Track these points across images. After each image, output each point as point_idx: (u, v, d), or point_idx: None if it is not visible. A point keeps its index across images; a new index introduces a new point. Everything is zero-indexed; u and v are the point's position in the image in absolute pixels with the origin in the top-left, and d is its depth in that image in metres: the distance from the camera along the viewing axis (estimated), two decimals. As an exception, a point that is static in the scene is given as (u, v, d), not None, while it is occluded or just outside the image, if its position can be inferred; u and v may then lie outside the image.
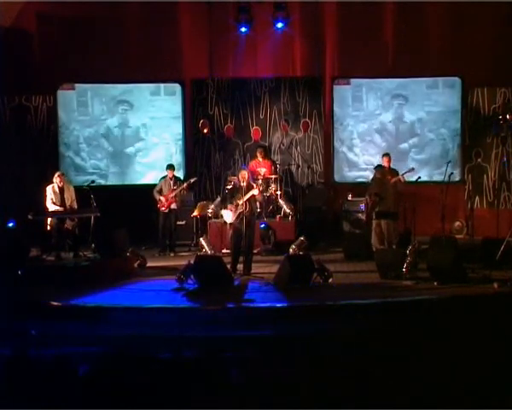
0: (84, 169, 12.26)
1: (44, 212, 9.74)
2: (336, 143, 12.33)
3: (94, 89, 12.35)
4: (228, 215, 9.21)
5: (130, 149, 12.43)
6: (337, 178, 12.36)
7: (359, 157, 12.33)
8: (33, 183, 11.44)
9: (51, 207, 9.80)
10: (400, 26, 12.26)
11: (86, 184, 10.60)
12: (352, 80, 12.32)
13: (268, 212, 11.21)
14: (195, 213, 11.11)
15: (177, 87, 12.39)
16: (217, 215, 10.72)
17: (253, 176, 10.91)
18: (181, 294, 7.80)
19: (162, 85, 12.38)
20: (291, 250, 9.93)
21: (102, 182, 12.13)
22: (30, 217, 9.37)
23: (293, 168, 12.27)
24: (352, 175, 12.32)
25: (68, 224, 9.76)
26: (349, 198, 11.48)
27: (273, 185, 11.31)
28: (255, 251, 9.50)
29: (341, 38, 12.47)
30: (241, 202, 8.73)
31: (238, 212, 8.76)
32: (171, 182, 10.88)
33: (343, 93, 12.32)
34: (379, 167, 10.25)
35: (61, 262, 9.41)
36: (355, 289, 7.88)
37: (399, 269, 8.31)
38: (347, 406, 4.32)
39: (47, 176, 10.56)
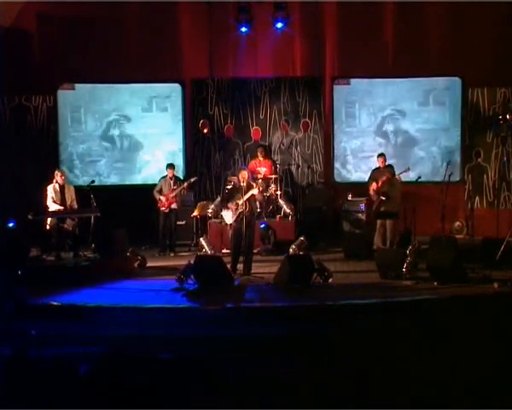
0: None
1: (44, 212, 9.73)
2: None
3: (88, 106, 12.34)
4: (228, 215, 9.21)
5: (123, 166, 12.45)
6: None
7: (352, 174, 12.35)
8: (33, 183, 11.44)
9: (52, 206, 9.80)
10: (400, 26, 12.26)
11: (86, 184, 10.60)
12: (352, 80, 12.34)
13: (268, 212, 11.22)
14: (195, 213, 11.11)
15: (169, 102, 12.37)
16: (217, 215, 10.72)
17: (253, 175, 10.92)
18: (181, 294, 7.80)
19: (154, 100, 12.36)
20: (291, 250, 9.93)
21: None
22: (30, 217, 9.36)
23: (293, 168, 12.27)
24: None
25: (68, 224, 9.75)
26: (349, 198, 11.48)
27: (273, 185, 11.31)
28: (255, 251, 9.50)
29: (341, 38, 12.47)
30: (240, 202, 8.73)
31: (238, 212, 8.76)
32: (172, 182, 10.88)
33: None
34: (376, 169, 10.37)
35: (61, 262, 9.40)
36: (355, 289, 7.88)
37: (399, 269, 8.31)
38: (347, 406, 4.32)
39: (47, 176, 10.57)
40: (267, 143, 12.24)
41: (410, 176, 10.71)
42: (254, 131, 12.40)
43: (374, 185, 10.10)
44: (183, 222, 11.28)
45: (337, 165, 12.33)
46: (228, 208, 8.99)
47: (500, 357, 5.18)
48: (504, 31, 11.75)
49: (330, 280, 8.13)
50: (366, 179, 10.59)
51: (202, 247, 10.17)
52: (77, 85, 12.31)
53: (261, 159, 11.60)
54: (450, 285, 7.74)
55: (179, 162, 12.13)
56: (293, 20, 12.48)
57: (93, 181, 10.62)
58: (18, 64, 12.08)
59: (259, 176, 11.19)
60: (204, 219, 11.10)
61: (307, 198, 12.15)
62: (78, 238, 9.86)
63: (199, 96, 12.40)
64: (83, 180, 11.97)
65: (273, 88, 12.39)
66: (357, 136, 12.34)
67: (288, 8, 12.33)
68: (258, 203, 9.66)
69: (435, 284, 7.91)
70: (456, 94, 12.08)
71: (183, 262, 8.79)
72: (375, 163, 10.54)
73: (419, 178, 10.32)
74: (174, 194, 10.77)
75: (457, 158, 12.03)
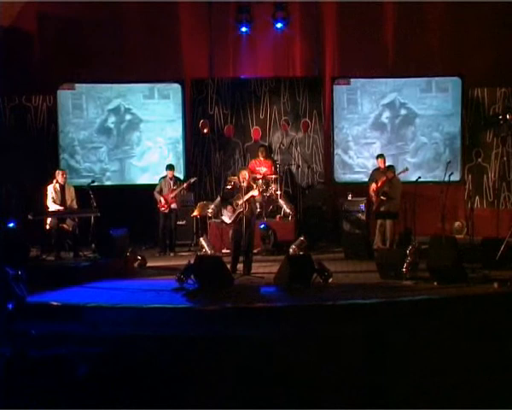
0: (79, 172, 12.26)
1: (44, 212, 9.73)
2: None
3: (90, 93, 12.32)
4: (227, 215, 9.21)
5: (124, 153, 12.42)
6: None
7: (354, 160, 12.33)
8: (33, 183, 11.45)
9: (52, 206, 9.79)
10: (400, 26, 12.27)
11: (86, 184, 10.60)
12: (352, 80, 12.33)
13: (268, 212, 11.22)
14: (195, 213, 11.11)
15: (171, 89, 12.35)
16: (217, 215, 10.72)
17: (253, 174, 10.93)
18: (181, 294, 7.80)
19: (156, 88, 12.35)
20: (291, 250, 9.94)
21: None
22: (30, 217, 9.36)
23: (293, 168, 12.27)
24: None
25: (68, 224, 9.74)
26: (349, 198, 11.47)
27: (273, 185, 11.31)
28: (255, 251, 9.50)
29: (341, 38, 12.48)
30: (240, 203, 8.73)
31: (237, 212, 8.76)
32: (171, 182, 10.89)
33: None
34: (376, 170, 10.40)
35: (61, 262, 9.40)
36: (355, 289, 7.87)
37: (399, 269, 8.31)
38: (347, 406, 4.32)
39: (47, 176, 10.56)
40: (267, 143, 12.23)
41: (411, 177, 10.72)
42: (254, 131, 12.40)
43: (374, 186, 10.13)
44: (183, 222, 11.29)
45: (338, 151, 12.29)
46: (227, 208, 8.99)
47: (500, 357, 5.18)
48: (504, 31, 11.76)
49: (330, 280, 8.13)
50: (365, 166, 10.58)
51: (202, 247, 10.17)
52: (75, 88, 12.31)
53: (262, 159, 11.60)
54: (450, 285, 7.74)
55: (179, 162, 12.11)
56: (293, 20, 12.49)
57: (93, 181, 10.62)
58: (18, 64, 12.08)
59: (259, 176, 11.19)
60: (204, 219, 11.10)
61: (307, 198, 12.15)
62: (78, 238, 9.86)
63: (199, 96, 12.40)
64: (84, 167, 12.09)
65: (273, 88, 12.39)
66: (359, 122, 12.32)
67: (288, 8, 12.35)
68: (257, 204, 9.66)
69: (435, 284, 7.90)
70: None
71: (183, 262, 8.79)
72: (376, 163, 10.56)
73: (419, 178, 10.32)
74: (174, 194, 10.77)
75: (459, 143, 12.03)
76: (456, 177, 11.10)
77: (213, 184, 12.32)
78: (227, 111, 12.38)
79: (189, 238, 11.30)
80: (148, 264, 9.74)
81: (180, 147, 12.42)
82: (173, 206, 10.81)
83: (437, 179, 11.54)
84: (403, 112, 12.23)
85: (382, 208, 10.01)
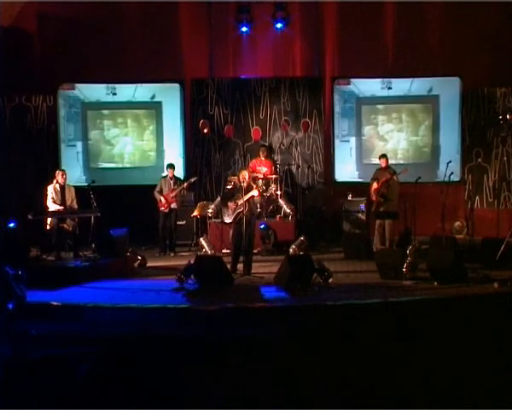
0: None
1: (44, 212, 9.73)
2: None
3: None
4: (227, 215, 9.21)
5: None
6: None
7: None
8: (33, 183, 11.46)
9: (51, 206, 9.79)
10: (400, 26, 12.27)
11: (86, 184, 10.61)
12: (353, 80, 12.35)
13: (268, 212, 11.22)
14: (195, 213, 11.12)
15: (171, 89, 12.38)
16: (217, 215, 10.72)
17: (254, 174, 10.94)
18: (181, 294, 7.80)
19: (156, 88, 12.40)
20: (291, 250, 9.95)
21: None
22: (30, 217, 9.35)
23: (293, 168, 12.27)
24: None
25: (68, 224, 9.74)
26: (349, 198, 11.48)
27: (273, 185, 11.31)
28: (255, 251, 9.50)
29: (341, 38, 12.49)
30: (240, 203, 8.73)
31: (237, 212, 8.77)
32: (172, 182, 10.88)
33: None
34: (378, 170, 10.40)
35: (61, 262, 9.39)
36: (355, 289, 7.88)
37: (399, 269, 8.31)
38: (347, 405, 4.32)
39: (47, 176, 10.56)
40: (267, 143, 12.23)
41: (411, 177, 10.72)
42: (254, 131, 12.39)
43: (375, 185, 10.14)
44: (183, 222, 11.29)
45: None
46: (227, 208, 8.99)
47: (500, 357, 5.18)
48: (504, 31, 11.76)
49: (330, 280, 8.12)
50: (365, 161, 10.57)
51: (202, 247, 10.18)
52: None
53: (263, 159, 11.60)
54: (450, 285, 7.74)
55: (179, 162, 12.11)
56: (293, 20, 12.50)
57: (93, 181, 10.62)
58: (18, 64, 12.08)
59: (260, 176, 11.19)
60: (204, 219, 11.11)
61: (307, 198, 12.16)
62: (78, 238, 9.86)
63: (199, 96, 12.40)
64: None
65: (273, 88, 12.39)
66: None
67: (288, 8, 12.36)
68: (258, 204, 9.67)
69: (435, 284, 7.91)
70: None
71: (183, 262, 8.80)
72: (379, 163, 10.57)
73: (419, 178, 10.31)
74: (174, 194, 10.77)
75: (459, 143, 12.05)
76: (456, 177, 11.09)
77: (213, 184, 12.32)
78: (227, 111, 12.38)
79: (189, 238, 11.30)
80: (148, 264, 9.73)
81: (180, 147, 12.42)
82: (173, 205, 10.81)
83: (437, 179, 11.54)
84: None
85: (381, 208, 10.02)
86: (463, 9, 11.86)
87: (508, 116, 10.95)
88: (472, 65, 11.76)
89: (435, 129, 12.28)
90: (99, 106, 12.49)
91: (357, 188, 11.71)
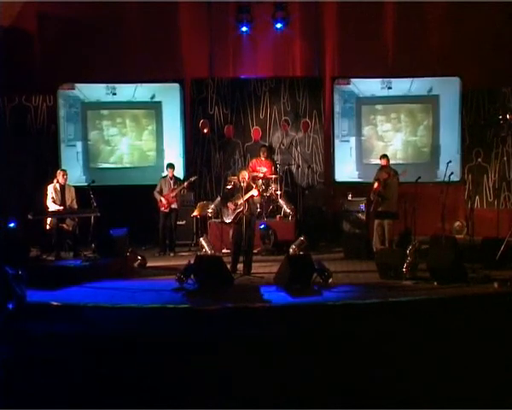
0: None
1: (44, 212, 9.73)
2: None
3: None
4: (227, 215, 9.21)
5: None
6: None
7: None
8: (33, 183, 11.46)
9: (51, 206, 9.79)
10: (400, 26, 12.27)
11: (86, 184, 10.60)
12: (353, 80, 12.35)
13: (268, 212, 11.22)
14: (195, 213, 11.12)
15: (171, 89, 12.39)
16: (217, 215, 10.73)
17: (254, 174, 10.94)
18: (181, 294, 7.80)
19: (156, 88, 12.39)
20: (291, 250, 9.94)
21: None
22: (30, 217, 9.36)
23: (293, 168, 12.27)
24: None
25: (68, 224, 9.75)
26: (349, 198, 11.46)
27: (273, 185, 11.31)
28: (255, 251, 9.51)
29: (341, 38, 12.49)
30: (240, 202, 8.73)
31: (237, 211, 8.77)
32: (172, 182, 10.88)
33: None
34: (380, 169, 10.41)
35: (61, 262, 9.39)
36: (355, 290, 7.88)
37: (399, 269, 8.31)
38: (347, 405, 4.32)
39: (47, 176, 10.55)
40: (267, 143, 12.23)
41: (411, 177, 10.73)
42: (254, 131, 12.40)
43: (376, 185, 10.14)
44: (183, 222, 11.29)
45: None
46: (227, 208, 8.99)
47: (500, 357, 5.18)
48: (504, 31, 11.75)
49: (330, 280, 8.13)
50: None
51: (202, 247, 10.17)
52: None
53: (263, 159, 11.60)
54: (450, 285, 7.75)
55: (179, 162, 12.11)
56: (293, 20, 12.51)
57: (93, 181, 10.62)
58: (18, 64, 12.08)
59: (260, 176, 11.20)
60: (204, 219, 11.11)
61: (307, 198, 12.15)
62: (78, 238, 9.87)
63: (199, 96, 12.40)
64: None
65: (273, 88, 12.39)
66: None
67: (288, 8, 12.36)
68: (258, 204, 9.67)
69: (435, 284, 7.91)
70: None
71: (183, 262, 8.80)
72: (380, 163, 10.58)
73: (419, 178, 10.31)
74: (174, 194, 10.77)
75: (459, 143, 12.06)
76: (456, 177, 11.10)
77: (213, 184, 12.32)
78: (227, 111, 12.38)
79: (189, 238, 11.30)
80: (148, 264, 9.73)
81: (180, 147, 12.42)
82: (174, 205, 10.81)
83: (437, 179, 11.54)
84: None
85: (380, 208, 10.01)
86: (463, 9, 11.87)
87: (508, 116, 10.96)
88: (472, 65, 11.76)
89: (435, 129, 12.29)
90: (99, 106, 12.50)
91: (357, 188, 11.71)
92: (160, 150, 12.49)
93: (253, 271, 8.79)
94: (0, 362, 5.20)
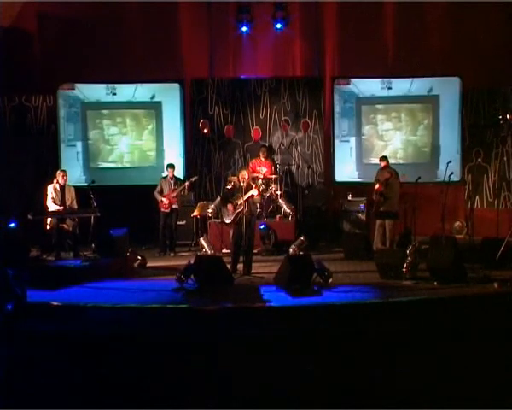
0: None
1: (44, 212, 9.73)
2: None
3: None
4: (227, 215, 9.21)
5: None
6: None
7: None
8: (33, 183, 11.45)
9: (51, 206, 9.80)
10: (400, 26, 12.27)
11: (86, 184, 10.60)
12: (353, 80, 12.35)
13: (268, 212, 11.22)
14: (195, 213, 11.12)
15: (171, 89, 12.39)
16: (217, 215, 10.73)
17: (254, 174, 10.94)
18: (181, 294, 7.80)
19: (156, 88, 12.40)
20: (291, 250, 9.94)
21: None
22: (30, 217, 9.36)
23: (293, 168, 12.27)
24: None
25: (68, 224, 9.75)
26: (349, 198, 11.49)
27: (273, 185, 11.31)
28: (255, 251, 9.50)
29: (341, 38, 12.49)
30: (239, 202, 8.73)
31: (237, 211, 8.77)
32: (172, 182, 10.88)
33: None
34: (379, 170, 10.43)
35: (61, 262, 9.39)
36: (355, 290, 7.88)
37: (399, 269, 8.31)
38: (348, 405, 4.32)
39: (47, 176, 10.55)
40: (267, 143, 12.23)
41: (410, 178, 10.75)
42: (254, 131, 12.40)
43: (378, 185, 10.16)
44: (183, 222, 11.29)
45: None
46: (227, 208, 8.99)
47: (500, 357, 5.18)
48: (504, 31, 11.76)
49: (330, 280, 8.13)
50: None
51: (202, 247, 10.18)
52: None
53: (263, 159, 11.60)
54: (450, 285, 7.74)
55: (179, 162, 12.11)
56: (293, 20, 12.50)
57: (93, 181, 10.62)
58: (18, 64, 12.07)
59: (260, 176, 11.20)
60: (204, 219, 11.11)
61: (307, 198, 12.15)
62: (78, 238, 9.87)
63: (199, 96, 12.40)
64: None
65: (273, 88, 12.39)
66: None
67: (288, 8, 12.36)
68: (258, 204, 9.67)
69: (435, 284, 7.91)
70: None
71: (183, 262, 8.79)
72: (380, 164, 10.60)
73: (419, 178, 10.32)
74: (175, 194, 10.77)
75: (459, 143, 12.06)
76: (456, 177, 11.10)
77: (213, 184, 12.32)
78: (227, 111, 12.38)
79: (189, 238, 11.30)
80: (148, 264, 9.73)
81: (180, 147, 12.42)
82: (175, 205, 10.80)
83: (437, 179, 11.54)
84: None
85: (381, 208, 10.03)
86: (463, 9, 11.87)
87: (508, 116, 10.96)
88: (472, 65, 11.76)
89: (435, 129, 12.28)
90: (99, 106, 12.50)
91: (357, 188, 11.72)
92: (160, 150, 12.49)
93: (253, 271, 8.78)
94: (0, 362, 5.20)
